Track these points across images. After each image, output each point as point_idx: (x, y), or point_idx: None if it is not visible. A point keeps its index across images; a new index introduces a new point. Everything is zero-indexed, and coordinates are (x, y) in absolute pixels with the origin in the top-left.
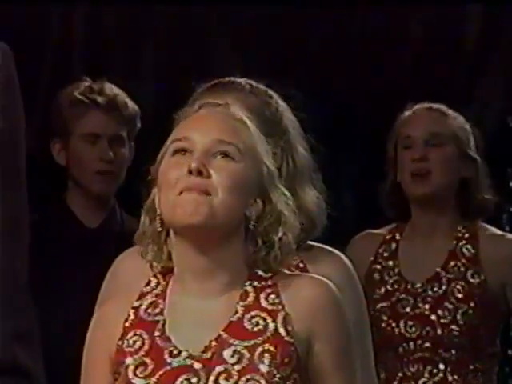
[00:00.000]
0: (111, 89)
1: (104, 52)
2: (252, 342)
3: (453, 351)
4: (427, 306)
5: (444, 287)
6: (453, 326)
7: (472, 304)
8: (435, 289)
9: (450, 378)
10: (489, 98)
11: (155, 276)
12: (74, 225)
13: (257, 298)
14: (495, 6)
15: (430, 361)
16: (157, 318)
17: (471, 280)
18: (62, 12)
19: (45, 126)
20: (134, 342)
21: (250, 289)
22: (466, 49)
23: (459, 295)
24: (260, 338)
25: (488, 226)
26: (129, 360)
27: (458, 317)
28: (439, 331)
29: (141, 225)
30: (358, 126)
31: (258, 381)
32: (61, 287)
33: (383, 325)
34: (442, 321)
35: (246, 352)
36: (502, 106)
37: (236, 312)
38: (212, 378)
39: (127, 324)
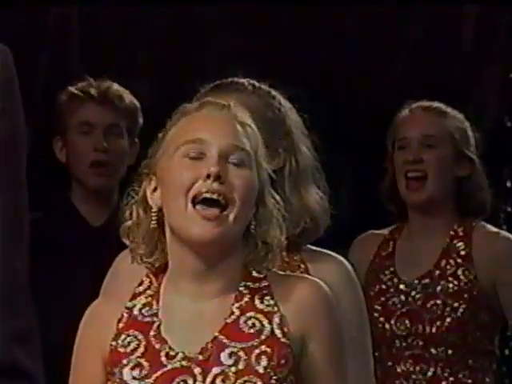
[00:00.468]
0: (109, 84)
1: (104, 52)
2: (249, 343)
3: (444, 348)
4: (418, 304)
5: (435, 285)
6: (443, 324)
7: (462, 301)
8: (426, 286)
9: (441, 376)
10: (486, 98)
11: (147, 276)
12: (79, 223)
13: (252, 300)
14: (493, 7)
15: (422, 358)
16: (151, 319)
17: (462, 277)
18: (61, 12)
19: (45, 126)
20: (129, 342)
21: (244, 290)
22: (463, 49)
23: (449, 292)
24: (257, 340)
25: (484, 224)
26: (124, 361)
27: (448, 314)
28: (429, 329)
29: (133, 218)
30: (358, 125)
31: (255, 383)
32: (64, 286)
33: (375, 322)
34: (431, 318)
35: (242, 354)
36: (500, 106)
37: (231, 313)
38: (209, 380)
39: (121, 324)
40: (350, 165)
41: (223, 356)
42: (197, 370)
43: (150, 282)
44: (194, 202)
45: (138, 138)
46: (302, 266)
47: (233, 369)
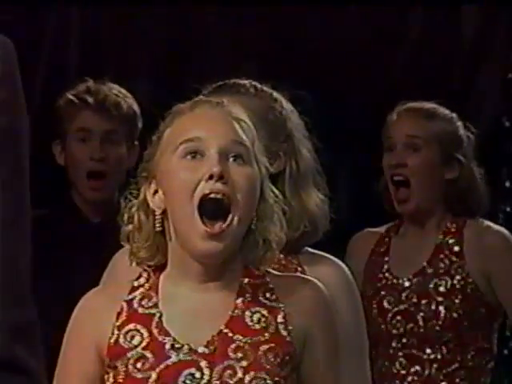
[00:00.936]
0: (107, 89)
1: (103, 52)
2: (255, 338)
3: (438, 347)
4: (411, 302)
5: (428, 282)
6: (436, 321)
7: (454, 298)
8: (419, 284)
9: (436, 375)
10: (485, 98)
11: (145, 270)
12: (80, 219)
13: (255, 294)
14: (492, 7)
15: (416, 357)
16: (152, 311)
17: (454, 274)
18: (61, 12)
19: (45, 127)
20: (132, 336)
21: (246, 285)
22: (462, 49)
23: (442, 290)
24: (263, 336)
25: (477, 220)
26: (128, 354)
27: (441, 311)
28: (423, 327)
29: (134, 222)
30: (358, 125)
31: (263, 378)
32: (64, 282)
33: (372, 322)
34: (425, 317)
35: (249, 348)
36: (498, 106)
37: (236, 307)
38: (216, 374)
39: (121, 317)
40: (350, 165)
41: (230, 350)
42: (203, 364)
43: (148, 275)
44: (200, 206)
45: (138, 141)
46: (299, 268)
47: (241, 363)
